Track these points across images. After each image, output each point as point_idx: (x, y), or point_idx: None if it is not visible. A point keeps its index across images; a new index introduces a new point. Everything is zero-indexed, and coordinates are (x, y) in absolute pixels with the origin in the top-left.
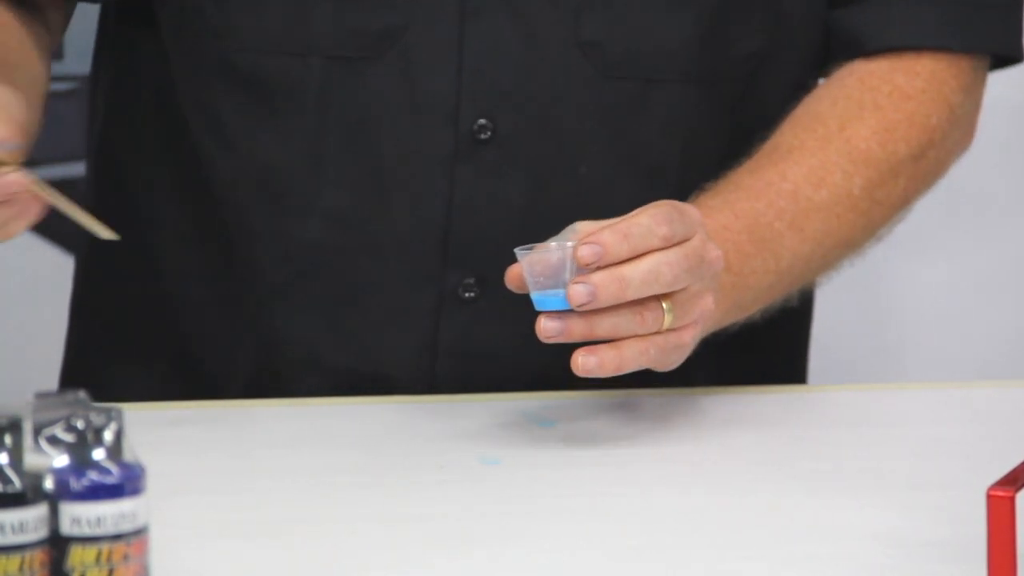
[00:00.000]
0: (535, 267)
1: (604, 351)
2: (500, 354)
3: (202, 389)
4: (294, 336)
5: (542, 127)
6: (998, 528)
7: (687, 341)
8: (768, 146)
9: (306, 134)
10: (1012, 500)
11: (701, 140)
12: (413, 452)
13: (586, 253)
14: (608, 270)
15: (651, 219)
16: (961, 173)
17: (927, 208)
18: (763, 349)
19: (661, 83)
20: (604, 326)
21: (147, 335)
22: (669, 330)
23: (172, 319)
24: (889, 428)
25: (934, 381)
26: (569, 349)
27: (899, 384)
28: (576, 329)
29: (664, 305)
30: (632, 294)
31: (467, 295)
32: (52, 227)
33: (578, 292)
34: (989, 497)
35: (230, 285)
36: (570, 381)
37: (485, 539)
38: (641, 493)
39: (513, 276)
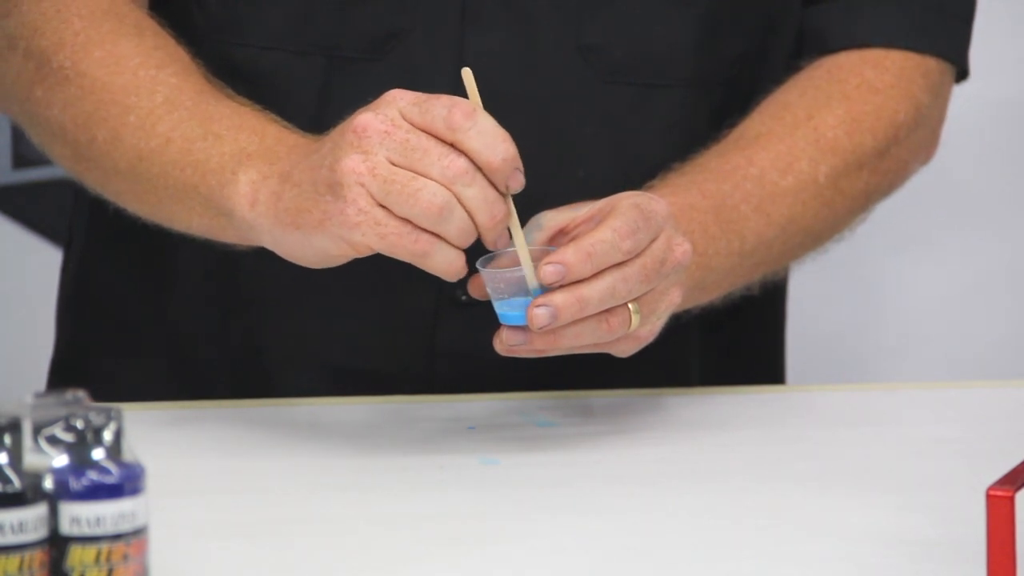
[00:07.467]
0: (496, 281)
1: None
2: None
3: (195, 384)
4: (290, 334)
5: (542, 130)
6: (998, 528)
7: (644, 337)
8: (735, 133)
9: (305, 132)
10: (1012, 500)
11: (698, 142)
12: (413, 452)
13: (549, 273)
14: (569, 290)
15: (615, 233)
16: (961, 173)
17: (927, 208)
18: (740, 349)
19: (661, 87)
20: (567, 337)
21: (141, 330)
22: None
23: (168, 315)
24: (887, 428)
25: (932, 381)
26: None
27: (897, 384)
28: (539, 342)
29: (631, 307)
30: (590, 312)
31: (464, 298)
32: (44, 223)
33: (539, 316)
34: (989, 497)
35: (226, 281)
36: (566, 382)
37: (485, 539)
38: (639, 493)
39: (476, 286)
